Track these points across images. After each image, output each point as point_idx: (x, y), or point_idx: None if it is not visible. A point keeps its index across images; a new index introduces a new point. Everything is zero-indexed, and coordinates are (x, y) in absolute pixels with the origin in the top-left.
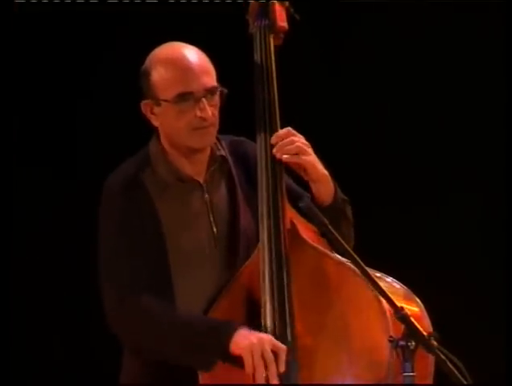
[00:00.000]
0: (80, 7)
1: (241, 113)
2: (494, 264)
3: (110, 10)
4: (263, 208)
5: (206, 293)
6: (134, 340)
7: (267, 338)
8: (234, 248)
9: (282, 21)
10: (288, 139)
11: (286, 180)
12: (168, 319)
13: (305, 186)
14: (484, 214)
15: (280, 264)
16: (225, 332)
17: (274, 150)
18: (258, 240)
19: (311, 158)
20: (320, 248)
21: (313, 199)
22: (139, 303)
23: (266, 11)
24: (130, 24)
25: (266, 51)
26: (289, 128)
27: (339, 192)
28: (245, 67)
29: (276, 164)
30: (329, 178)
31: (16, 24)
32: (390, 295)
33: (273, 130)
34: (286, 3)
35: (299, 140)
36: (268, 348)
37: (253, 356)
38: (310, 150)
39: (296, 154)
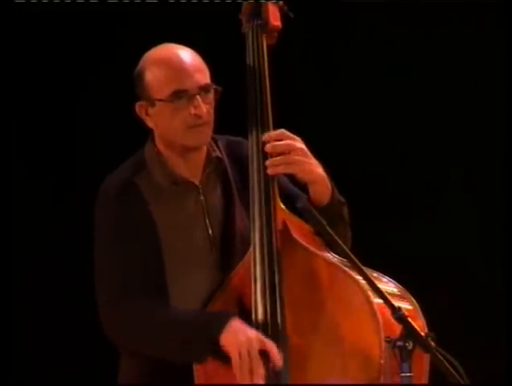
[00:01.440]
0: (80, 7)
1: (238, 113)
2: (493, 263)
3: (110, 9)
4: (255, 209)
5: (201, 295)
6: (126, 341)
7: (255, 336)
8: (230, 249)
9: (275, 20)
10: (278, 147)
11: (282, 180)
12: (159, 314)
13: (299, 185)
14: (482, 214)
15: (272, 264)
16: (216, 324)
17: (267, 165)
18: None
19: (304, 166)
20: (312, 248)
21: (309, 199)
22: (132, 307)
23: (258, 11)
24: (130, 24)
25: (258, 50)
26: (282, 130)
27: (336, 194)
28: (243, 66)
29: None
30: (326, 179)
31: (16, 24)
32: (386, 295)
33: (265, 130)
34: (281, 2)
35: (291, 146)
36: (255, 347)
37: (240, 355)
38: (303, 157)
39: (287, 165)
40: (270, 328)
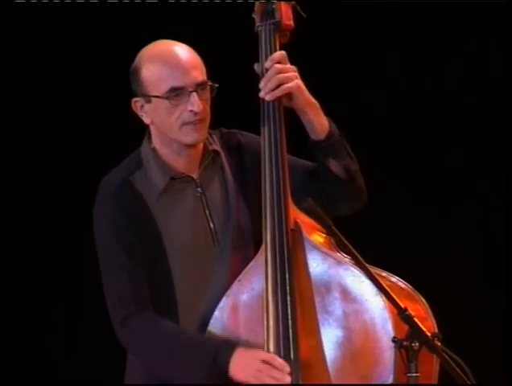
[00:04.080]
0: (80, 7)
1: (241, 111)
2: (495, 264)
3: (109, 9)
4: (267, 209)
5: (205, 291)
6: (139, 353)
7: (255, 357)
8: (232, 242)
9: (288, 19)
10: (268, 76)
11: (296, 162)
12: (169, 342)
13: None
14: (485, 216)
15: (283, 265)
16: (222, 361)
17: (260, 94)
18: (253, 232)
19: (294, 84)
20: (324, 248)
21: (309, 132)
22: (139, 325)
23: (272, 10)
24: (130, 23)
25: (272, 49)
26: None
27: (334, 126)
28: (246, 64)
29: (280, 164)
30: (318, 105)
31: (16, 23)
32: (393, 295)
33: (277, 128)
34: (293, 2)
35: (282, 70)
36: (260, 365)
37: (257, 379)
38: (294, 78)
39: (278, 87)
40: (281, 329)
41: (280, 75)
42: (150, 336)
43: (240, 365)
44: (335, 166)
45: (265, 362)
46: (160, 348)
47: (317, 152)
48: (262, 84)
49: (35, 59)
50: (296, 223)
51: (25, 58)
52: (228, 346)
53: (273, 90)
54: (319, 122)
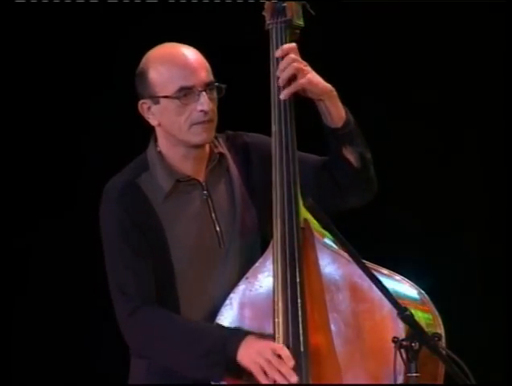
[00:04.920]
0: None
1: (242, 113)
2: (495, 266)
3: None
4: (277, 207)
5: (208, 294)
6: (145, 350)
7: (267, 345)
8: (237, 245)
9: (298, 18)
10: (284, 63)
11: (305, 158)
12: (176, 333)
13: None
14: (486, 216)
15: (293, 263)
16: (231, 344)
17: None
18: (260, 234)
19: (308, 77)
20: (335, 247)
21: (325, 120)
22: (147, 316)
23: (283, 8)
24: (130, 25)
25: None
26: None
27: (350, 115)
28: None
29: (290, 163)
30: (334, 91)
31: (16, 15)
32: (392, 295)
33: (288, 127)
34: (304, 1)
35: (293, 62)
36: (271, 355)
37: (262, 369)
38: (307, 69)
39: (292, 81)
40: (291, 326)
41: (295, 64)
42: (160, 323)
43: (249, 350)
44: (350, 154)
45: (274, 352)
46: (169, 335)
47: (333, 140)
48: (278, 73)
49: (35, 60)
50: (306, 221)
51: (25, 58)
52: (239, 332)
53: (289, 81)
54: (336, 110)
